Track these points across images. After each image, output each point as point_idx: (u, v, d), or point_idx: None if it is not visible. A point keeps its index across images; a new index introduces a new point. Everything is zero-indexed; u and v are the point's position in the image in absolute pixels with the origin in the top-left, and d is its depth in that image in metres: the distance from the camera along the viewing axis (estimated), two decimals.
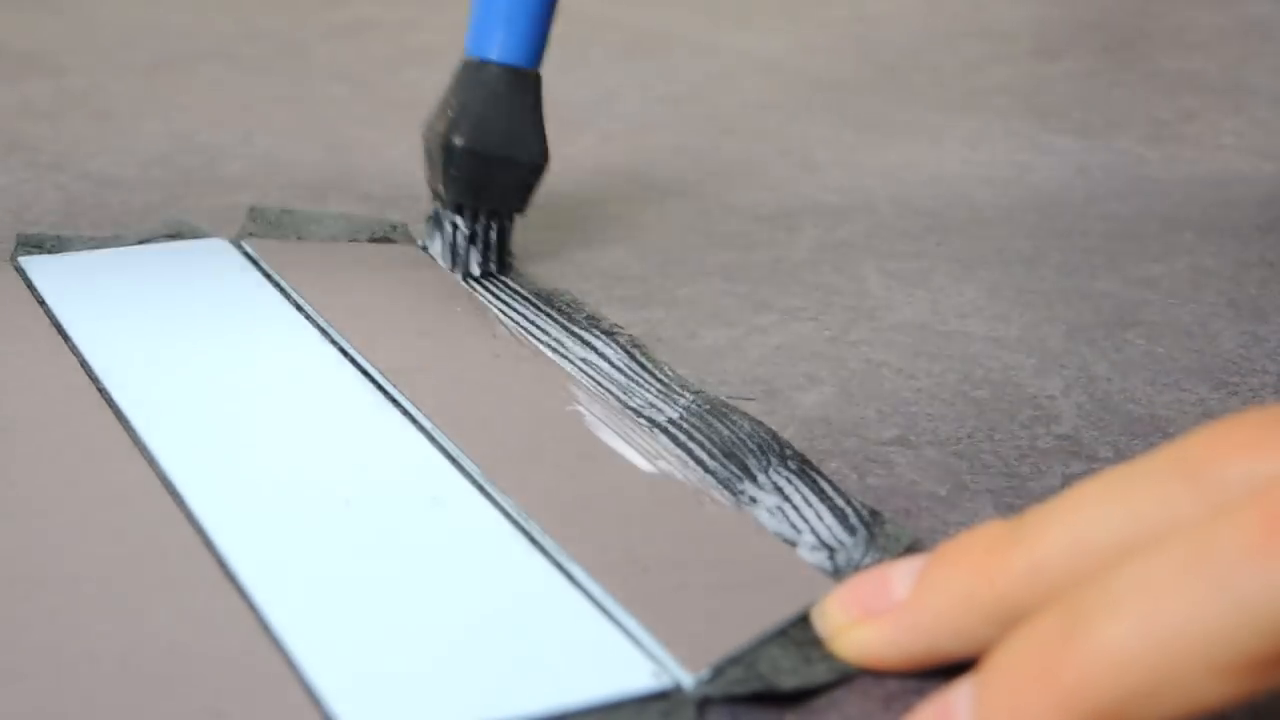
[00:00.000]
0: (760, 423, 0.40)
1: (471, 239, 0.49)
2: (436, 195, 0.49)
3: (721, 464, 0.38)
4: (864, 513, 0.36)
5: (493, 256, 0.49)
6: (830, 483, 0.37)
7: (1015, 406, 0.42)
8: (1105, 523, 0.28)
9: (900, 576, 0.30)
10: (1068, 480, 0.38)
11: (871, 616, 0.30)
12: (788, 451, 0.38)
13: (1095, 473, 0.31)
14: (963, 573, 0.29)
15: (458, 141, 0.47)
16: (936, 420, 0.41)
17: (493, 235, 0.49)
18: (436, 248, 0.49)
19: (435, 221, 0.49)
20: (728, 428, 0.39)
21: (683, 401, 0.41)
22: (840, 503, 0.36)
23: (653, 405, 0.41)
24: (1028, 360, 0.45)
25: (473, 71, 0.48)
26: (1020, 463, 0.39)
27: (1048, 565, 0.28)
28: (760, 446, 0.39)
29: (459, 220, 0.49)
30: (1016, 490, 0.38)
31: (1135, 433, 0.41)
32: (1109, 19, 0.89)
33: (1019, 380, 0.44)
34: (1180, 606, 0.25)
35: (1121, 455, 0.40)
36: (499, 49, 0.48)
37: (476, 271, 0.49)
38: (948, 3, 0.89)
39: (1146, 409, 0.42)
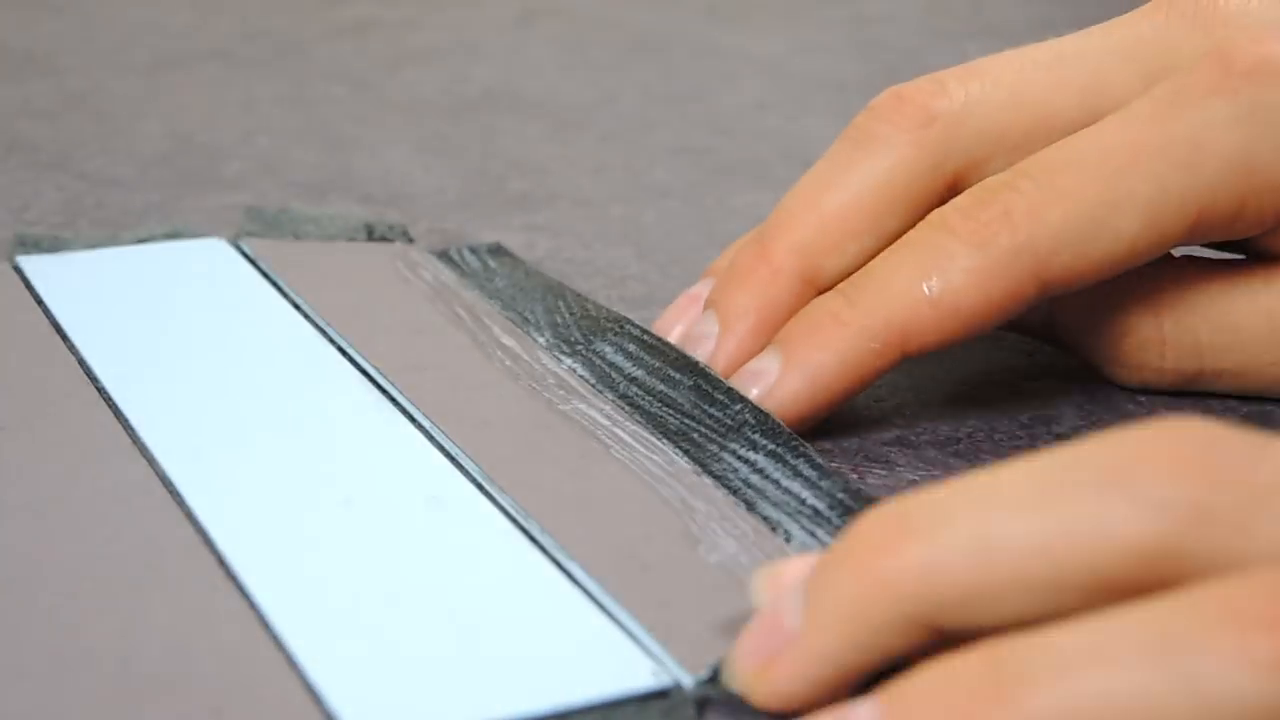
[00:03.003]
0: (758, 410, 0.40)
1: None
2: None
3: (719, 460, 0.38)
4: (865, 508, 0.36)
5: None
6: (827, 477, 0.37)
7: (1015, 406, 0.42)
8: (1019, 529, 0.25)
9: (789, 605, 0.28)
10: None
11: (774, 657, 0.28)
12: (784, 442, 0.38)
13: None
14: (850, 578, 0.27)
15: None
16: (936, 420, 0.41)
17: None
18: None
19: None
20: (728, 417, 0.39)
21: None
22: (840, 495, 0.36)
23: (651, 403, 0.41)
24: (1027, 360, 0.45)
25: None
26: None
27: (948, 567, 0.26)
28: (759, 439, 0.38)
29: None
30: None
31: None
32: (1109, 19, 0.89)
33: (1019, 380, 0.44)
34: (1134, 692, 0.23)
35: None
36: None
37: None
38: (948, 3, 0.89)
39: (1146, 409, 0.42)
